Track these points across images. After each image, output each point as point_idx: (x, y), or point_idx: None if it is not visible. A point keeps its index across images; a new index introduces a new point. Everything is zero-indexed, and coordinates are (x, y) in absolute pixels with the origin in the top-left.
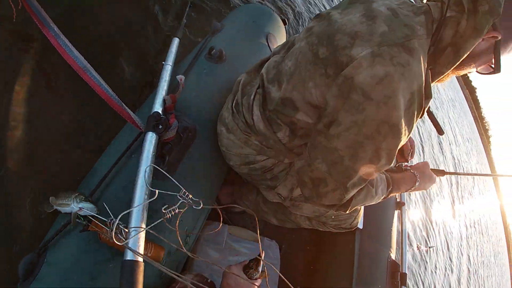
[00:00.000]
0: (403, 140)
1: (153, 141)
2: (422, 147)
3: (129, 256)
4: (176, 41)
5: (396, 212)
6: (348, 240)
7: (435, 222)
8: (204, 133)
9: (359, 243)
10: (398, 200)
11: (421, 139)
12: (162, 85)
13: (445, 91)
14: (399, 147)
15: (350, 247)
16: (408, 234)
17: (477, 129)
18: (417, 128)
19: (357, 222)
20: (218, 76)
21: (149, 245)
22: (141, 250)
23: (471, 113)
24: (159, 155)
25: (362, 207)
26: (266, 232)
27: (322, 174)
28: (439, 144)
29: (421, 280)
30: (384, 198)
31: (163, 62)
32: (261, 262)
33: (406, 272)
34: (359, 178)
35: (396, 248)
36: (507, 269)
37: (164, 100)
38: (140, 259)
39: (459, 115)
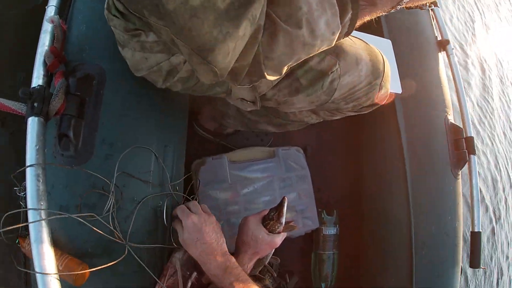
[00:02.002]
0: None
1: (36, 127)
2: None
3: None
4: None
5: (441, 56)
6: (389, 114)
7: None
8: (117, 68)
9: (403, 112)
10: (439, 38)
11: None
12: (42, 41)
13: None
14: None
15: (393, 122)
16: (463, 85)
17: None
18: None
19: (387, 91)
20: None
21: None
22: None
23: None
24: (59, 138)
25: (388, 68)
26: (282, 140)
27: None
28: None
29: (491, 142)
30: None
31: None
32: (283, 211)
33: (472, 135)
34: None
35: (453, 107)
36: None
37: (44, 61)
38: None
39: None
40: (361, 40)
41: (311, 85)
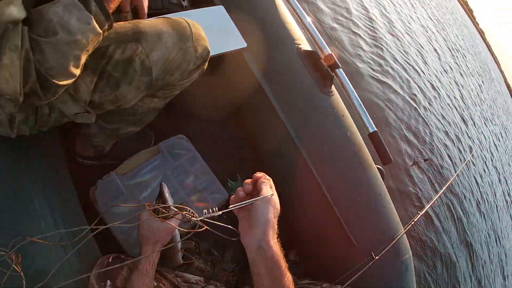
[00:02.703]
0: None
1: None
2: None
3: None
4: None
5: None
6: (241, 66)
7: None
8: None
9: (253, 59)
10: None
11: None
12: None
13: None
14: None
15: (248, 72)
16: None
17: None
18: None
19: (205, 48)
20: None
21: None
22: None
23: None
24: None
25: (197, 28)
26: (164, 137)
27: None
28: None
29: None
30: None
31: None
32: (165, 196)
33: (331, 53)
34: None
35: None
36: None
37: None
38: None
39: None
40: (163, 17)
41: (125, 73)
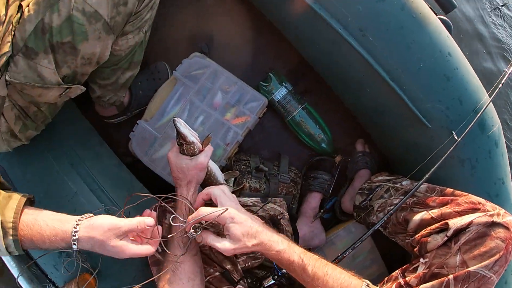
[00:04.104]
0: None
1: None
2: None
3: None
4: None
5: None
6: None
7: None
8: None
9: None
10: None
11: None
12: None
13: None
14: None
15: None
16: None
17: None
18: None
19: None
20: None
21: None
22: None
23: None
24: None
25: None
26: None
27: None
28: None
29: None
30: None
31: None
32: (182, 132)
33: None
34: None
35: None
36: None
37: None
38: None
39: None
40: None
41: (74, 33)
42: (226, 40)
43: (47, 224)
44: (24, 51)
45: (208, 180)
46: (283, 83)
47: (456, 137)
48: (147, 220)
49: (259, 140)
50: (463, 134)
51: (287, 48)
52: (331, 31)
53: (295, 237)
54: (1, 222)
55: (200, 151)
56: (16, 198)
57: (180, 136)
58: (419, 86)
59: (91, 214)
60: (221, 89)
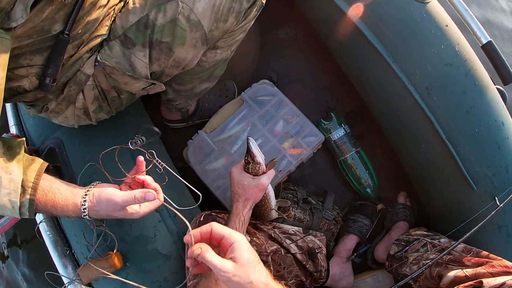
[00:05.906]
0: None
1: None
2: None
3: None
4: None
5: None
6: None
7: None
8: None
9: None
10: None
11: None
12: None
13: None
14: None
15: None
16: None
17: None
18: None
19: None
20: None
21: None
22: None
23: None
24: None
25: None
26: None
27: None
28: None
29: None
30: None
31: None
32: (253, 151)
33: None
34: None
35: None
36: None
37: None
38: None
39: None
40: None
41: (174, 36)
42: (295, 74)
43: (61, 193)
44: (123, 39)
45: (262, 202)
46: (342, 125)
47: (498, 203)
48: (147, 196)
49: (308, 173)
50: (505, 201)
51: (348, 91)
52: (399, 84)
53: (326, 274)
54: (22, 181)
55: (263, 173)
56: (39, 162)
57: (250, 154)
58: (472, 150)
59: (97, 183)
60: (283, 118)
